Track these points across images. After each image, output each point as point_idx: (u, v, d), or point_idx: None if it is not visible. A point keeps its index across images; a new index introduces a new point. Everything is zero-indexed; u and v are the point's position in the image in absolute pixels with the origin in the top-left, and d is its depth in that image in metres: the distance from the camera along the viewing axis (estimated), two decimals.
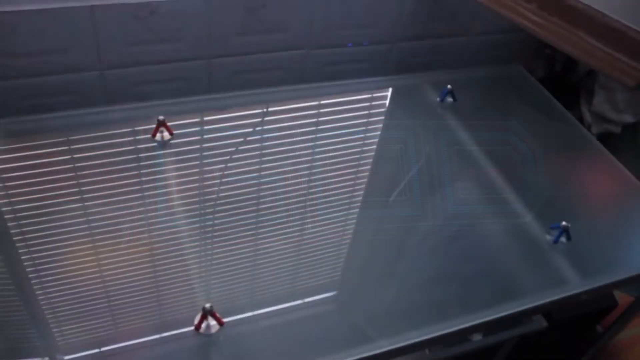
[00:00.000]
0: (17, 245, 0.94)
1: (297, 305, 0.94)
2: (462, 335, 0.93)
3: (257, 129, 1.21)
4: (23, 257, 0.93)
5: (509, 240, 1.07)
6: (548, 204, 1.14)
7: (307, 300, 0.95)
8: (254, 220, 1.04)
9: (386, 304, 0.96)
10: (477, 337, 1.04)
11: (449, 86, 1.33)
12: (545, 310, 1.05)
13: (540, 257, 1.04)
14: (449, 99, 1.34)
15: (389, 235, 1.07)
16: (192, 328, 0.84)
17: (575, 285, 1.00)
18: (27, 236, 0.96)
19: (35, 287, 0.90)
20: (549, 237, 1.06)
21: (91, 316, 0.87)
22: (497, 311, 0.94)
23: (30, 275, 0.91)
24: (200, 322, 0.83)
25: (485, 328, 0.95)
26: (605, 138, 1.57)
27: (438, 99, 1.35)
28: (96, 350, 0.83)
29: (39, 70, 1.18)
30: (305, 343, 0.88)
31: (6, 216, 0.97)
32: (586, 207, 1.18)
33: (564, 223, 1.04)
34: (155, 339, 0.85)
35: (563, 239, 1.05)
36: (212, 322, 0.84)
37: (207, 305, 0.82)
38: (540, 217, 1.10)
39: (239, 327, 0.87)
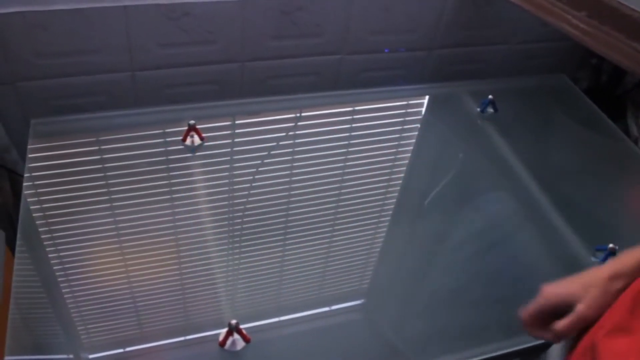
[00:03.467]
0: (45, 244, 0.93)
1: (327, 316, 0.90)
2: None
3: (290, 134, 1.18)
4: (51, 256, 0.92)
5: (551, 261, 1.02)
6: (593, 223, 1.08)
7: (335, 311, 0.91)
8: (282, 227, 1.01)
9: (418, 321, 0.92)
10: None
11: (490, 96, 1.28)
12: None
13: None
14: (490, 110, 1.29)
15: (420, 249, 1.03)
16: (215, 341, 0.81)
17: None
18: (54, 234, 0.95)
19: (61, 285, 0.89)
20: (594, 260, 1.00)
21: (115, 318, 0.85)
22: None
23: (57, 274, 0.90)
24: (226, 338, 0.80)
25: (524, 354, 0.90)
26: None
27: (478, 109, 1.29)
28: (120, 351, 0.82)
29: (70, 70, 1.17)
30: None
31: (35, 214, 0.96)
32: (634, 226, 1.11)
33: (611, 245, 0.98)
34: (179, 352, 0.83)
35: None
36: (237, 337, 0.81)
37: (233, 322, 0.79)
38: (585, 237, 1.04)
39: (265, 338, 0.84)
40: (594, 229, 1.06)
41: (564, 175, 1.18)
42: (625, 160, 1.25)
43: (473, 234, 1.05)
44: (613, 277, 0.65)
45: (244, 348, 0.81)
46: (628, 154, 1.26)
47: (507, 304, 0.94)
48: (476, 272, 0.99)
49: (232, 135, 1.17)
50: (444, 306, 0.94)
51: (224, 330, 0.81)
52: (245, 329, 0.82)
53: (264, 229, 1.00)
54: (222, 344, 0.80)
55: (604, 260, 0.99)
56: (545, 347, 0.89)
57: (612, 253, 0.98)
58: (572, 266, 1.00)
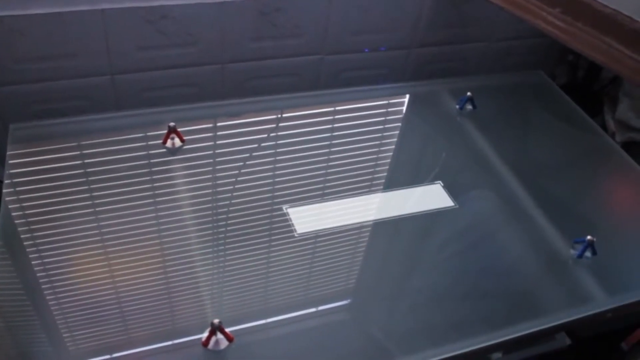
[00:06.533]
0: (27, 250, 0.93)
1: (311, 316, 0.91)
2: (482, 354, 0.89)
3: (271, 135, 1.18)
4: (33, 262, 0.91)
5: (531, 254, 1.03)
6: (571, 216, 1.10)
7: (321, 312, 0.92)
8: (267, 228, 1.01)
9: (402, 318, 0.93)
10: (497, 356, 1.00)
11: (468, 93, 1.29)
12: (568, 328, 1.01)
13: (563, 272, 0.99)
14: (469, 107, 1.30)
15: (404, 246, 1.04)
16: (200, 344, 0.82)
17: (600, 302, 0.95)
18: (37, 241, 0.94)
19: (44, 291, 0.88)
20: (572, 252, 1.02)
21: (99, 323, 0.85)
22: (518, 329, 0.89)
23: (40, 280, 0.89)
24: (209, 338, 0.80)
25: (506, 347, 0.91)
26: (629, 146, 1.52)
27: (457, 106, 1.31)
28: (106, 357, 0.82)
29: (48, 75, 1.17)
30: None
31: (17, 221, 0.96)
32: (611, 218, 1.13)
33: (588, 237, 1.00)
34: (164, 354, 0.83)
35: (588, 254, 1.01)
36: (221, 336, 0.81)
37: (216, 321, 0.79)
38: (563, 229, 1.06)
39: (249, 340, 0.84)
40: (572, 222, 1.08)
41: (542, 170, 1.19)
42: (603, 154, 1.27)
43: (454, 231, 1.06)
44: None
45: (227, 347, 0.81)
46: (605, 149, 1.28)
47: (488, 298, 0.96)
48: (458, 268, 1.00)
49: (214, 137, 1.17)
50: (428, 303, 0.95)
51: (207, 331, 0.81)
52: (232, 331, 0.82)
53: (248, 230, 1.00)
54: (206, 343, 0.80)
55: (582, 252, 1.00)
56: (526, 340, 0.90)
57: (590, 244, 1.00)
58: (552, 259, 1.02)
